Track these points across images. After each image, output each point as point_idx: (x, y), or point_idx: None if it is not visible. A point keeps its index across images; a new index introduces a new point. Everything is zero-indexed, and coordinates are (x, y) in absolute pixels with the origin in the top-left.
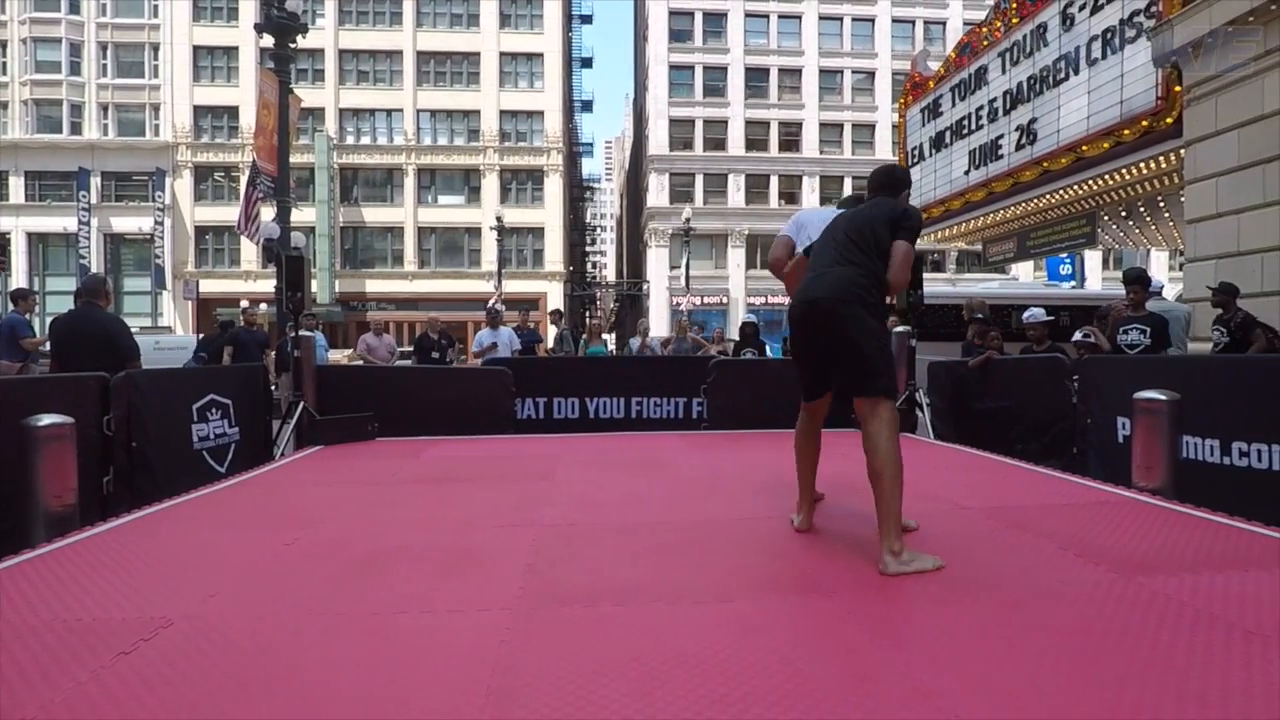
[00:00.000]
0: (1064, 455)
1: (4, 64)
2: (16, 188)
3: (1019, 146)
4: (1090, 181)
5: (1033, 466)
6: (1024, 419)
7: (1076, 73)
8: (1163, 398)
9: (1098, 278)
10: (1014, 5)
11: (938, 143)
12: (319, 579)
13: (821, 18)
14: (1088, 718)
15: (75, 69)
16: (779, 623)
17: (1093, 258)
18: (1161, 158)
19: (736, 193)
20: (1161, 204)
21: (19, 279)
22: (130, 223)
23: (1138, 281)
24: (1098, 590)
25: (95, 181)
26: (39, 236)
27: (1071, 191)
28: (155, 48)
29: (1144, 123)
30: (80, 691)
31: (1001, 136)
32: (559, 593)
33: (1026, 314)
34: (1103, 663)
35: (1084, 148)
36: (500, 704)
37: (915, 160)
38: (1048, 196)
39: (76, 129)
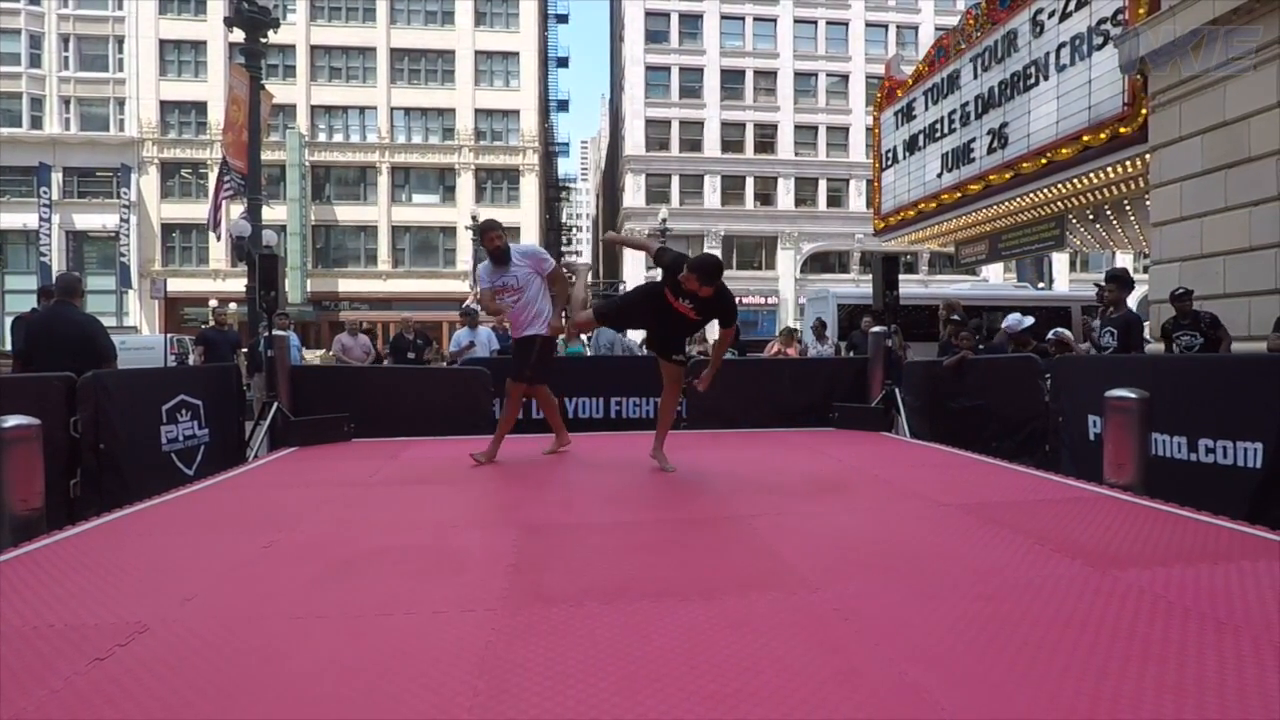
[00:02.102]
0: (1036, 453)
1: None
2: None
3: (990, 150)
4: (1059, 185)
5: (1007, 464)
6: (998, 417)
7: (1046, 78)
8: (1133, 396)
9: (1065, 279)
10: (986, 12)
11: (911, 145)
12: (298, 582)
13: (796, 20)
14: (1071, 709)
15: (35, 61)
16: (765, 619)
17: (1060, 260)
18: (1128, 162)
19: (712, 194)
20: (1127, 207)
21: None
22: (94, 220)
23: (1113, 280)
24: (1074, 584)
25: (57, 177)
26: None
27: (1042, 195)
28: (120, 41)
29: (1111, 128)
30: (54, 699)
31: (974, 140)
32: (544, 592)
33: (1008, 323)
34: (1083, 655)
35: (1053, 152)
36: (489, 704)
37: (890, 162)
38: (1019, 199)
39: (37, 123)
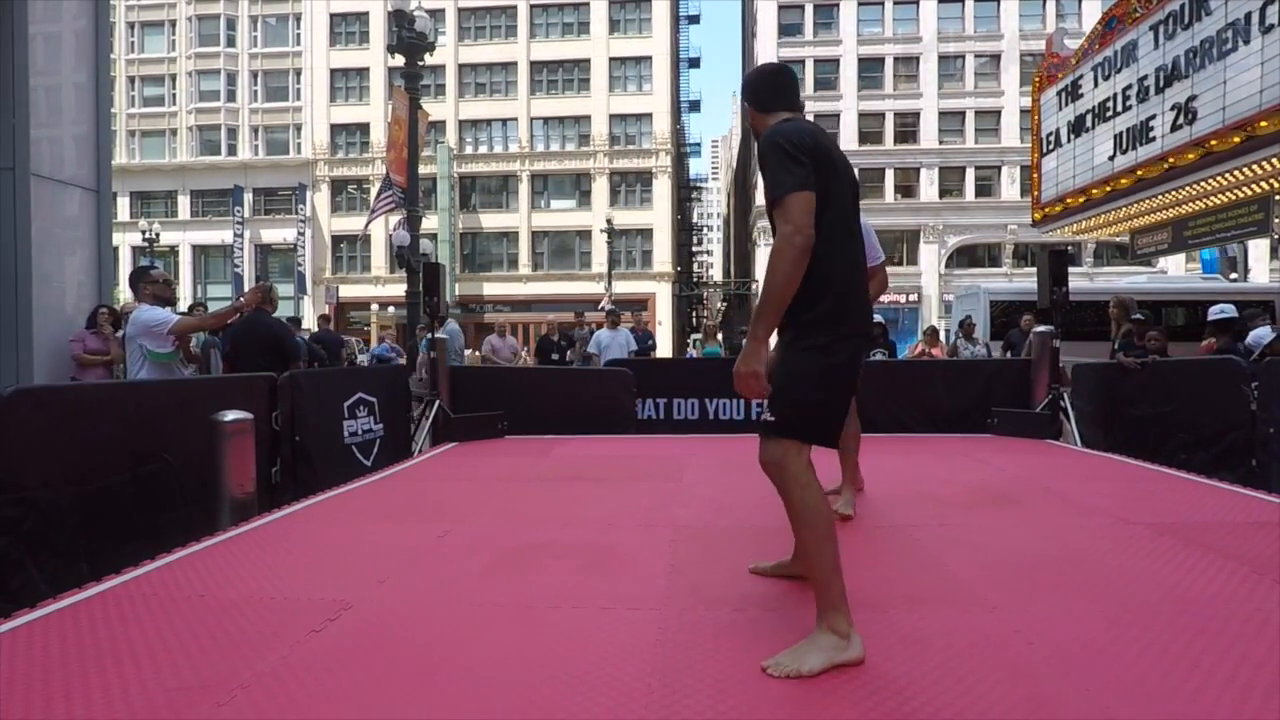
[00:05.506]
0: (1239, 468)
1: (174, 95)
2: (184, 205)
3: (1175, 127)
4: (1264, 163)
5: (1205, 479)
6: (1189, 427)
7: (1246, 42)
8: None
9: (1264, 268)
10: None
11: (1077, 127)
12: (474, 571)
13: (941, 1)
14: None
15: (231, 96)
16: (940, 637)
17: (1257, 247)
18: None
19: None
20: None
21: (185, 287)
22: (277, 234)
23: None
24: None
25: (247, 197)
26: (201, 248)
27: (1240, 174)
28: (298, 72)
29: None
30: (285, 665)
31: (1153, 117)
32: (705, 594)
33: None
34: None
35: (1254, 126)
36: (664, 704)
37: (1051, 147)
38: (1211, 181)
39: (232, 150)
